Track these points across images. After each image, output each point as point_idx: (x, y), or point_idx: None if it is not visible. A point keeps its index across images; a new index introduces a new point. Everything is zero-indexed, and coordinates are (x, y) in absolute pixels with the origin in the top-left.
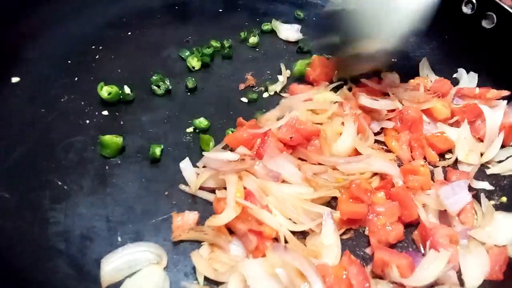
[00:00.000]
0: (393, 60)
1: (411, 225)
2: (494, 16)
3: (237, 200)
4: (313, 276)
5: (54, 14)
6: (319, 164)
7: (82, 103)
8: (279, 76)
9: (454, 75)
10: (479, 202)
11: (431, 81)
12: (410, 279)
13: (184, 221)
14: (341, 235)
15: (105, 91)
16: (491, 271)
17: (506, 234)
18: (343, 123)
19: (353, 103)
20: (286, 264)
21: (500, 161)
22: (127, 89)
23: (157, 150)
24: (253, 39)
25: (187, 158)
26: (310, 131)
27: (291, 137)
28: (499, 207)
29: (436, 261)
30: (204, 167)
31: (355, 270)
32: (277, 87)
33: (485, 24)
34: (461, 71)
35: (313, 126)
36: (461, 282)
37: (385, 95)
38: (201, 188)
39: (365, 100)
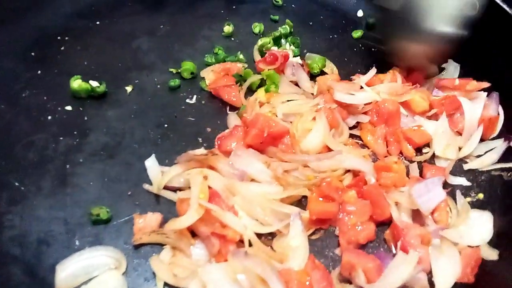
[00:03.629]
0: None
1: (384, 224)
2: (477, 3)
3: (200, 202)
4: (275, 282)
5: (16, 3)
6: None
7: (45, 98)
8: None
9: (443, 65)
10: (455, 199)
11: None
12: (376, 285)
13: (146, 223)
14: (310, 235)
15: (77, 84)
16: (463, 274)
17: (480, 234)
18: (314, 118)
19: (327, 97)
20: (248, 270)
21: (478, 156)
22: (94, 83)
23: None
24: (228, 28)
25: (153, 156)
26: (280, 131)
27: (261, 142)
28: (475, 204)
29: (404, 263)
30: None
31: (318, 276)
32: None
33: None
34: (450, 62)
35: (283, 126)
36: (432, 285)
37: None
38: (166, 187)
39: (341, 96)
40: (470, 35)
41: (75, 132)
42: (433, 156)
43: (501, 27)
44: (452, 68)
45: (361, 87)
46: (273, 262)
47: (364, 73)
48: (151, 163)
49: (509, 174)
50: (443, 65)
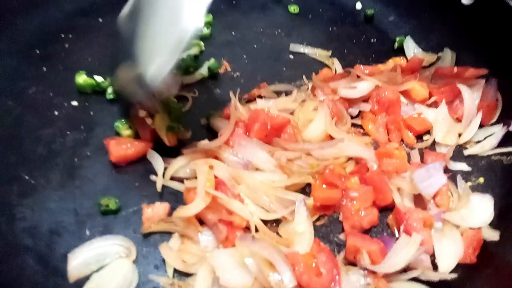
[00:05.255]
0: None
1: (387, 209)
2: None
3: (206, 190)
4: (282, 265)
5: (18, 1)
6: None
7: (51, 94)
8: None
9: (439, 54)
10: (456, 184)
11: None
12: (381, 266)
13: (155, 213)
14: (314, 221)
15: (82, 79)
16: (465, 254)
17: (481, 216)
18: (315, 109)
19: (327, 89)
20: (255, 254)
21: (478, 142)
22: (99, 78)
23: None
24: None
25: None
26: (282, 122)
27: (265, 136)
28: (476, 188)
29: (408, 246)
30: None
31: (324, 258)
32: None
33: (464, 0)
34: (446, 50)
35: (284, 118)
36: (435, 266)
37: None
38: (172, 178)
39: (346, 92)
40: (466, 21)
41: (81, 127)
42: (434, 143)
43: (496, 13)
44: (449, 57)
45: (358, 76)
46: (280, 246)
47: (364, 64)
48: (156, 155)
49: (508, 158)
50: (439, 54)
